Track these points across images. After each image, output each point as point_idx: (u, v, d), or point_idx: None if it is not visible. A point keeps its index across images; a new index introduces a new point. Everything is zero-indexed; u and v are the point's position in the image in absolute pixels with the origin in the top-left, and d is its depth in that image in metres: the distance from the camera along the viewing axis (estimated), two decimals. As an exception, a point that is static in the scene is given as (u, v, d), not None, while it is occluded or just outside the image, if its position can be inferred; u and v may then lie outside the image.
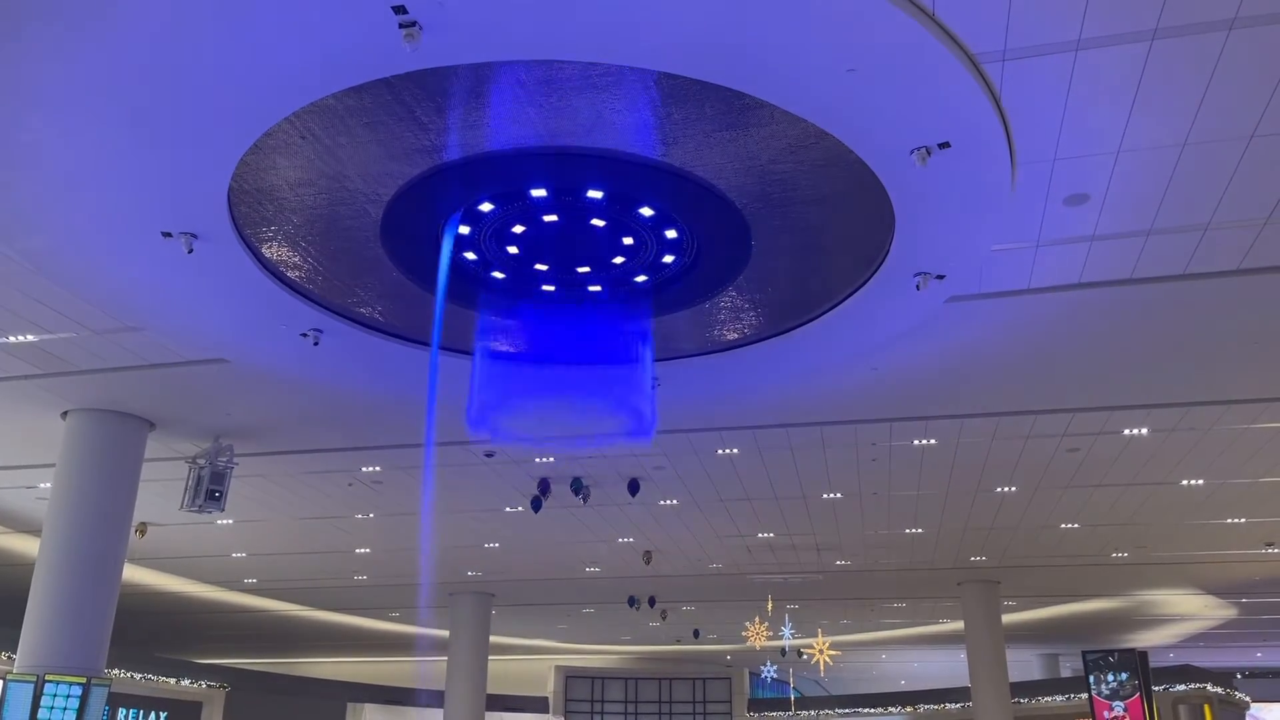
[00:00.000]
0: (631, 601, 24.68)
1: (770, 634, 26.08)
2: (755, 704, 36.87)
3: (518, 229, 7.81)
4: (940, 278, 8.20)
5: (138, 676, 23.36)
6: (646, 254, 8.12)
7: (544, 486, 15.09)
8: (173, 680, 24.69)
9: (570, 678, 36.79)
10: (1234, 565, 21.14)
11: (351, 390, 11.20)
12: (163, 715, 24.17)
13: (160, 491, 14.80)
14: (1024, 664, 35.63)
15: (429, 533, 18.98)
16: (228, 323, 9.40)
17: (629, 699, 37.35)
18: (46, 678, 10.61)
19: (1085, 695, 22.98)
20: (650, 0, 5.15)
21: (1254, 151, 6.82)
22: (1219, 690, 24.90)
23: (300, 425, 12.89)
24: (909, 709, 31.72)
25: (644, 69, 5.76)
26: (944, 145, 6.29)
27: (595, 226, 7.73)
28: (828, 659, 26.32)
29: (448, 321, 8.96)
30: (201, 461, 12.66)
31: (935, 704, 30.73)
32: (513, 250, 8.12)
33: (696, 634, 30.97)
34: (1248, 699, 27.93)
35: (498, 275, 8.53)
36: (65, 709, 10.57)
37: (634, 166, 6.88)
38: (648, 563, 19.80)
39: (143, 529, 17.10)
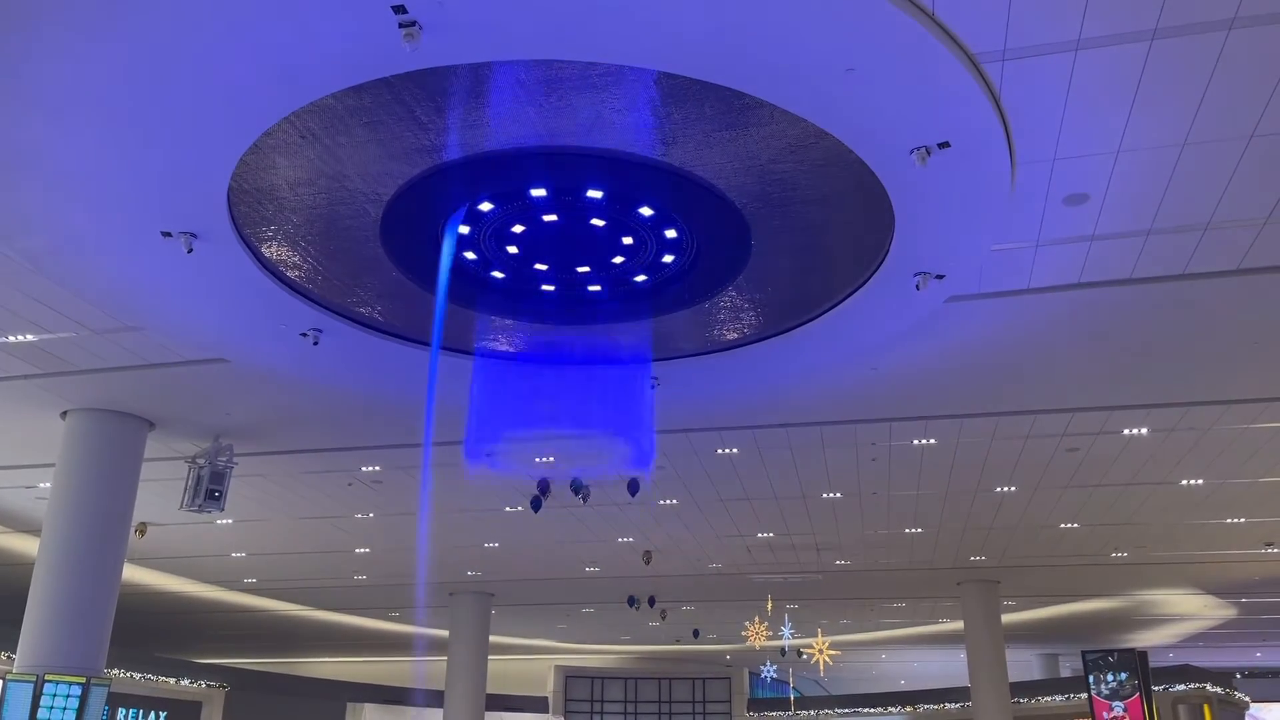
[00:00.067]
0: (631, 601, 24.67)
1: (770, 634, 26.08)
2: (755, 704, 36.88)
3: (517, 229, 7.81)
4: (940, 277, 8.20)
5: (137, 676, 23.35)
6: (646, 254, 8.12)
7: (544, 486, 15.08)
8: (172, 680, 24.68)
9: (570, 677, 36.80)
10: (1233, 565, 21.15)
11: (351, 390, 11.20)
12: (162, 715, 24.16)
13: (160, 491, 14.79)
14: (1023, 664, 35.64)
15: (428, 532, 18.97)
16: (227, 322, 9.40)
17: (629, 699, 37.35)
18: (46, 677, 10.61)
19: (1085, 695, 22.97)
20: (650, 0, 5.15)
21: (1254, 151, 6.82)
22: (1218, 690, 24.90)
23: (300, 425, 12.89)
24: (909, 709, 31.72)
25: (643, 69, 5.76)
26: (944, 145, 6.30)
27: (595, 226, 7.73)
28: (827, 659, 26.34)
29: (447, 321, 8.96)
30: (201, 461, 12.65)
31: (935, 704, 30.74)
32: (512, 250, 8.12)
33: (696, 634, 30.97)
34: (1247, 699, 27.92)
35: (497, 275, 8.53)
36: (65, 709, 10.57)
37: (634, 166, 6.88)
38: (647, 563, 19.80)
39: (142, 529, 17.10)
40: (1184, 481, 15.03)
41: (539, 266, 8.46)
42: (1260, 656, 36.19)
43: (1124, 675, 21.97)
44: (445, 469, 14.42)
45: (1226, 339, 9.98)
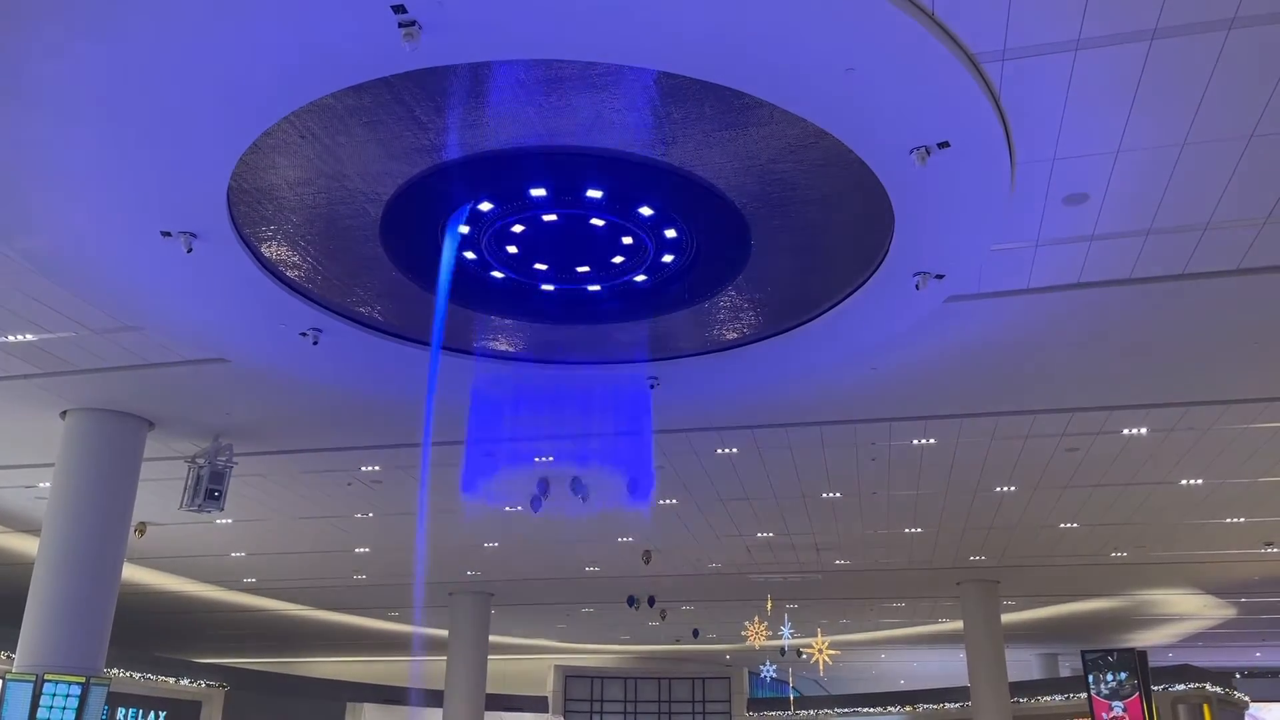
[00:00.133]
0: (631, 601, 24.67)
1: (769, 633, 26.09)
2: (754, 703, 36.89)
3: (517, 228, 7.80)
4: (940, 277, 8.20)
5: (137, 676, 23.35)
6: (646, 254, 8.12)
7: (544, 486, 15.07)
8: (172, 680, 24.68)
9: (570, 677, 36.80)
10: (1233, 565, 21.15)
11: (351, 390, 11.20)
12: (162, 715, 24.16)
13: (159, 491, 14.79)
14: (1023, 664, 35.66)
15: (428, 532, 18.97)
16: (227, 322, 9.40)
17: (628, 699, 37.36)
18: (45, 677, 10.61)
19: (1084, 695, 22.98)
20: (650, 0, 5.14)
21: (1254, 151, 6.82)
22: (1218, 690, 24.91)
23: (300, 425, 12.89)
24: (908, 709, 31.73)
25: (643, 68, 5.76)
26: (943, 145, 6.29)
27: (594, 226, 7.73)
28: (827, 658, 26.36)
29: (446, 320, 8.95)
30: (201, 461, 12.65)
31: (934, 704, 30.74)
32: (512, 250, 8.12)
33: (696, 633, 30.98)
34: (1247, 698, 27.93)
35: (497, 275, 8.52)
36: (64, 708, 10.57)
37: (633, 166, 6.88)
38: (647, 562, 19.80)
39: (142, 528, 17.10)
40: (1183, 481, 15.03)
41: (539, 266, 8.45)
42: (1260, 656, 36.20)
43: (1123, 675, 21.97)
44: (445, 468, 14.43)
45: (1226, 339, 9.98)
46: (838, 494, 15.94)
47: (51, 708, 10.51)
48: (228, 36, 5.44)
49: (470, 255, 8.17)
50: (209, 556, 20.56)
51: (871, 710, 32.97)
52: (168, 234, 7.54)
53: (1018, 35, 5.66)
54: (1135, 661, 21.96)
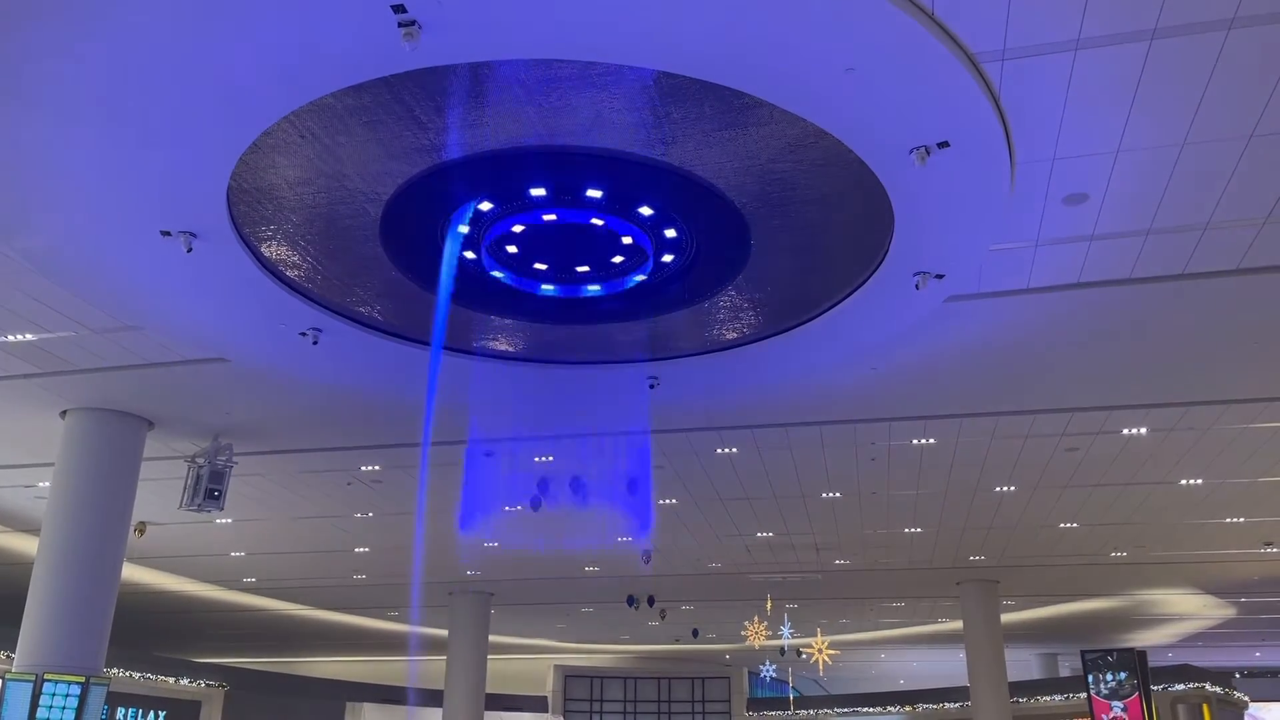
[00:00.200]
0: (630, 601, 24.67)
1: (769, 633, 26.09)
2: (754, 703, 36.88)
3: (517, 228, 7.80)
4: (939, 277, 8.20)
5: (136, 676, 23.34)
6: (646, 253, 8.12)
7: (544, 485, 15.07)
8: (171, 679, 24.67)
9: (569, 677, 36.80)
10: (1232, 565, 21.15)
11: (350, 390, 11.19)
12: (161, 714, 24.15)
13: (159, 490, 14.79)
14: (1023, 663, 35.66)
15: (427, 532, 18.97)
16: (227, 322, 9.40)
17: (628, 698, 37.35)
18: (45, 677, 10.61)
19: (1084, 695, 22.97)
20: (649, 0, 5.15)
21: (1253, 151, 6.83)
22: (1218, 690, 24.91)
23: (299, 424, 12.89)
24: (908, 708, 31.73)
25: (643, 68, 5.76)
26: (943, 145, 6.30)
27: (594, 225, 7.73)
28: (826, 658, 26.35)
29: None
30: (200, 460, 12.65)
31: (934, 703, 30.74)
32: (511, 249, 8.12)
33: (695, 633, 30.98)
34: (1246, 698, 27.93)
35: (496, 274, 8.52)
36: (64, 708, 10.57)
37: (633, 165, 6.88)
38: (647, 562, 19.79)
39: (142, 528, 17.10)
40: (1183, 481, 15.04)
41: (538, 266, 8.45)
42: (1259, 656, 36.23)
43: (1123, 675, 21.97)
44: (445, 468, 14.43)
45: (1226, 339, 9.99)
46: (837, 494, 15.94)
47: (51, 707, 10.51)
48: (228, 36, 5.44)
49: (469, 255, 8.17)
50: (208, 556, 20.56)
51: (871, 710, 32.97)
52: (167, 234, 7.54)
53: (1017, 35, 5.66)
54: (1135, 661, 21.96)
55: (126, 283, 8.53)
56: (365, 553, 20.09)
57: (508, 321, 9.57)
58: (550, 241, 8.03)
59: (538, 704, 34.66)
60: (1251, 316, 9.45)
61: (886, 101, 5.94)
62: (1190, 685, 24.65)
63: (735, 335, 9.76)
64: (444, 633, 25.32)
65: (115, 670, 20.43)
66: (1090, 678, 22.38)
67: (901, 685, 42.00)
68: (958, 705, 28.57)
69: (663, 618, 26.98)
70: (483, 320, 9.52)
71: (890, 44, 5.49)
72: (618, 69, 5.78)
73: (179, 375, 10.92)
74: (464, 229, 7.70)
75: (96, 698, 10.86)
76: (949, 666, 35.90)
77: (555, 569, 21.79)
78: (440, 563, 21.28)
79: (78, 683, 10.69)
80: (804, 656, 26.85)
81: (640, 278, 8.48)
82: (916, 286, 8.23)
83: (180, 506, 12.81)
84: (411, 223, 7.70)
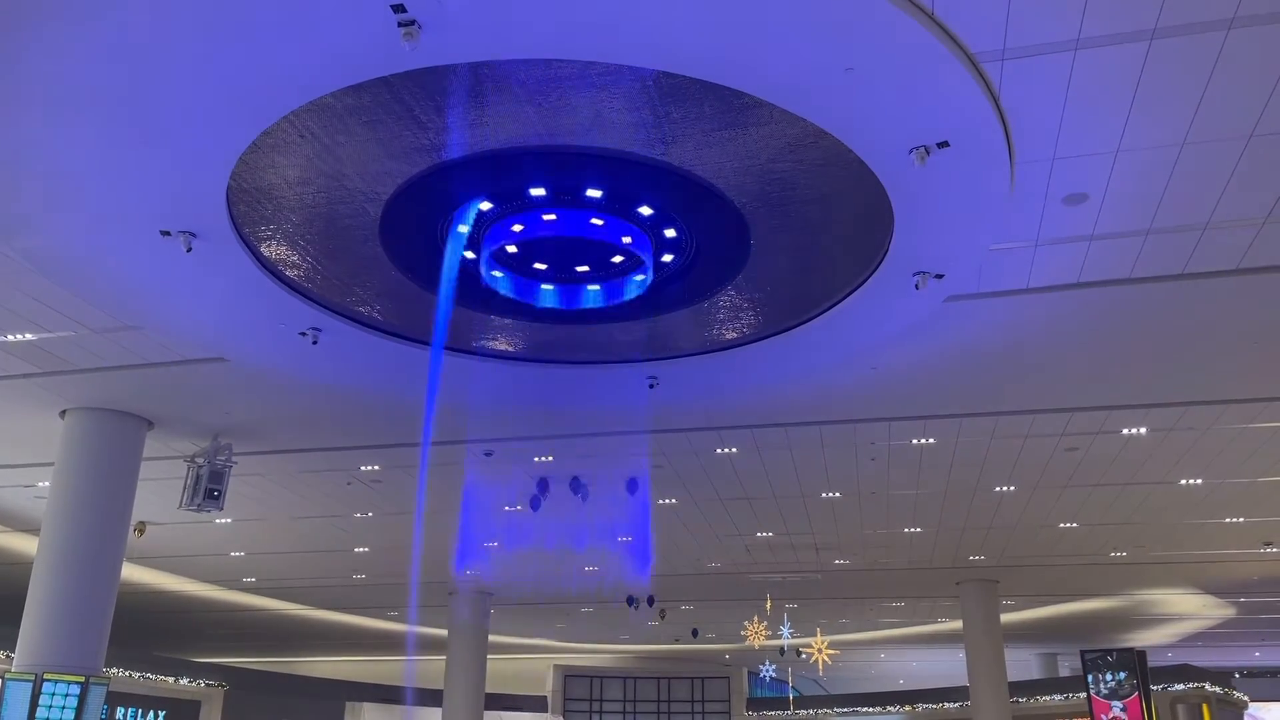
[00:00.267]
0: (630, 601, 24.67)
1: (769, 633, 26.08)
2: (754, 703, 36.89)
3: (516, 228, 7.80)
4: (939, 277, 8.21)
5: (136, 675, 23.35)
6: (645, 253, 8.11)
7: (543, 485, 15.07)
8: (171, 679, 24.69)
9: (569, 677, 36.79)
10: (1232, 564, 21.15)
11: (350, 389, 11.19)
12: (161, 714, 24.16)
13: (159, 490, 14.78)
14: (1022, 663, 35.66)
15: (427, 532, 18.97)
16: (226, 322, 9.40)
17: (628, 698, 37.35)
18: (45, 676, 10.60)
19: (1084, 695, 22.97)
20: (649, 0, 5.14)
21: (1253, 151, 6.83)
22: (1217, 689, 24.91)
23: (299, 424, 12.89)
24: (907, 708, 31.74)
25: (643, 68, 5.76)
26: (943, 144, 6.30)
27: (594, 225, 7.72)
28: (826, 658, 26.34)
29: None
30: (200, 460, 12.65)
31: (933, 703, 30.75)
32: (511, 249, 8.11)
33: (695, 633, 30.97)
34: (1246, 698, 27.94)
35: (496, 274, 8.52)
36: (64, 708, 10.56)
37: (633, 165, 6.88)
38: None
39: (141, 528, 17.10)
40: (1183, 481, 15.04)
41: (538, 265, 8.45)
42: (1259, 656, 36.23)
43: (1123, 675, 21.96)
44: (445, 468, 14.42)
45: (1226, 339, 9.99)
46: (837, 494, 15.94)
47: (50, 707, 10.51)
48: (227, 36, 5.44)
49: (469, 254, 8.16)
50: (208, 556, 20.56)
51: (871, 710, 32.97)
52: (167, 233, 7.54)
53: (1017, 35, 5.66)
54: (1135, 661, 21.96)
55: (126, 283, 8.53)
56: (365, 553, 20.09)
57: (507, 321, 9.57)
58: (550, 241, 8.01)
59: (537, 704, 34.67)
60: (1251, 316, 9.45)
61: (886, 101, 5.94)
62: (1190, 685, 24.66)
63: (735, 335, 9.76)
64: (443, 632, 25.33)
65: (115, 670, 20.45)
66: (1090, 678, 22.38)
67: (901, 685, 42.01)
68: (957, 705, 28.58)
69: (662, 617, 26.97)
70: (482, 320, 9.52)
71: (890, 44, 5.49)
72: (617, 69, 5.78)
73: (179, 375, 10.91)
74: (463, 228, 7.70)
75: (96, 697, 10.86)
76: (949, 666, 35.90)
77: (555, 569, 21.77)
78: (440, 562, 21.27)
79: (77, 682, 10.69)
80: (804, 656, 26.85)
81: (640, 277, 8.48)
82: (916, 286, 8.23)
83: (180, 506, 12.81)
84: (411, 223, 7.69)
